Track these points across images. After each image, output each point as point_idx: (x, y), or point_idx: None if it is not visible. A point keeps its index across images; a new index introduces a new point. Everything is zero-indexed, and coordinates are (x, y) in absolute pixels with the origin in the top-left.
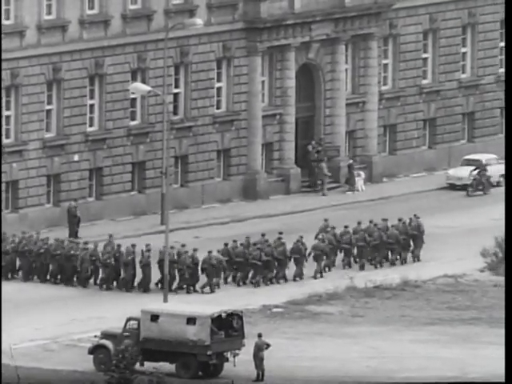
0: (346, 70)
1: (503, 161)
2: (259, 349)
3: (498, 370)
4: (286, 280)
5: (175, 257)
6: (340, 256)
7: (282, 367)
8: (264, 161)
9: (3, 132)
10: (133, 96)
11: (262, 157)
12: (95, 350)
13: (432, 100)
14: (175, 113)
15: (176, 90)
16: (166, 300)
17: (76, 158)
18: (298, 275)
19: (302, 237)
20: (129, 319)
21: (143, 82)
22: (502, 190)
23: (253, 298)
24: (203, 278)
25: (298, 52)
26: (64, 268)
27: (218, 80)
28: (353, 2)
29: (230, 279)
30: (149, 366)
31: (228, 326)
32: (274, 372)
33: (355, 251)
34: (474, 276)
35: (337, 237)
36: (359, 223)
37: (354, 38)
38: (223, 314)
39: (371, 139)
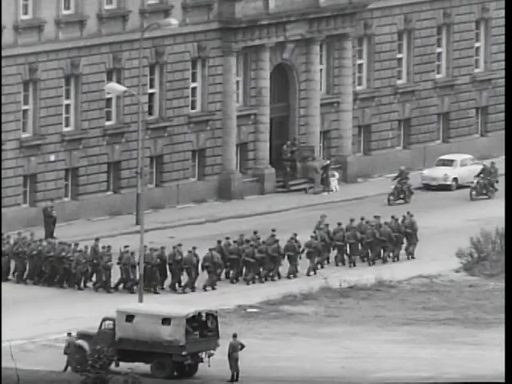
0: (321, 70)
1: (478, 161)
2: (234, 349)
3: (473, 370)
4: (279, 277)
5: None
6: (333, 253)
7: (256, 367)
8: (239, 161)
9: None
10: (108, 96)
11: (237, 157)
12: (71, 350)
13: (407, 100)
14: (150, 113)
15: (151, 90)
16: (141, 300)
17: (52, 158)
18: (292, 272)
19: (295, 234)
20: (104, 319)
21: (118, 82)
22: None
23: (227, 298)
24: (202, 276)
25: (272, 52)
26: (56, 270)
27: (193, 80)
28: (327, 2)
29: (223, 276)
30: (124, 366)
31: (203, 326)
32: (249, 372)
33: (348, 248)
34: (449, 276)
35: (330, 234)
36: (352, 220)
37: (329, 39)
38: (198, 314)
39: (346, 139)
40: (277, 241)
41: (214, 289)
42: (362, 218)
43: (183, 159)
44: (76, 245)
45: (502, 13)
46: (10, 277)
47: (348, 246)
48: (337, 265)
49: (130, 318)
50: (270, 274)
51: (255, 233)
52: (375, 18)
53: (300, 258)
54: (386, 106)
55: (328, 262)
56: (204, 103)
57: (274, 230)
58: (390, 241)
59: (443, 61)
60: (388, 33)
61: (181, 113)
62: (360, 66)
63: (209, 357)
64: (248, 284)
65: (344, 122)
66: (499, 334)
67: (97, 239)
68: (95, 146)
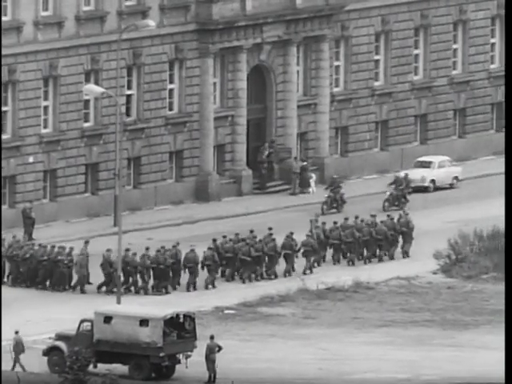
0: (298, 71)
1: (456, 163)
2: (211, 351)
3: (451, 371)
4: (276, 276)
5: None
6: (329, 252)
7: (233, 369)
8: (216, 162)
9: None
10: (86, 97)
11: (214, 158)
12: (49, 351)
13: (384, 102)
14: (128, 114)
15: (129, 92)
16: (119, 302)
17: (31, 159)
18: (288, 271)
19: (292, 233)
20: (82, 321)
21: (96, 83)
22: (450, 192)
23: (205, 299)
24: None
25: (249, 54)
26: (52, 273)
27: (171, 81)
28: (304, 3)
29: (218, 275)
30: (102, 367)
31: (180, 327)
32: (226, 374)
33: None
34: (427, 278)
35: (326, 233)
36: (346, 219)
37: (306, 40)
38: (175, 316)
39: (323, 141)
40: (274, 239)
41: (214, 287)
42: (357, 217)
43: (161, 161)
44: (71, 248)
45: (480, 14)
46: (5, 280)
47: (345, 244)
48: (334, 264)
49: (107, 319)
50: (268, 273)
51: (251, 231)
52: (352, 20)
53: (297, 256)
54: (364, 107)
55: (324, 261)
56: (181, 105)
57: (270, 229)
58: (386, 239)
59: (420, 62)
60: (365, 34)
61: (158, 114)
62: (337, 67)
63: (186, 358)
64: (244, 282)
65: (321, 123)
66: (477, 336)
67: (86, 242)
68: (73, 148)
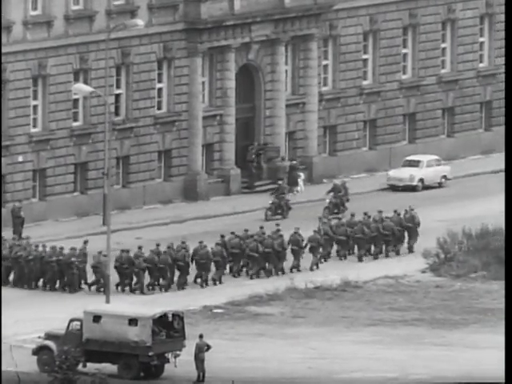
0: (286, 70)
1: (445, 162)
2: (200, 350)
3: (440, 370)
4: (283, 272)
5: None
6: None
7: (222, 368)
8: (204, 162)
9: None
10: (75, 97)
11: (203, 158)
12: (39, 350)
13: (372, 101)
14: (117, 114)
15: (118, 91)
16: (108, 301)
17: (20, 158)
18: (296, 267)
19: (298, 228)
20: (72, 320)
21: (85, 82)
22: (438, 191)
23: (193, 298)
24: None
25: (238, 53)
26: (63, 274)
27: (159, 81)
28: (292, 2)
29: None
30: (91, 366)
31: (169, 326)
32: (215, 373)
33: (349, 243)
34: (415, 277)
35: (333, 229)
36: (353, 215)
37: (294, 39)
38: (164, 315)
39: (311, 140)
40: (281, 235)
41: (221, 283)
42: (365, 213)
43: (149, 160)
44: (80, 249)
45: (469, 13)
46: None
47: (353, 240)
48: (340, 259)
49: (97, 318)
50: (276, 269)
51: (261, 228)
52: (341, 19)
53: (303, 252)
54: (352, 106)
55: (329, 257)
56: (170, 104)
57: (278, 225)
58: (393, 235)
59: (409, 61)
60: (353, 34)
61: (147, 113)
62: (325, 66)
63: (175, 357)
64: (252, 278)
65: (309, 122)
66: (466, 335)
67: (85, 241)
68: (62, 147)
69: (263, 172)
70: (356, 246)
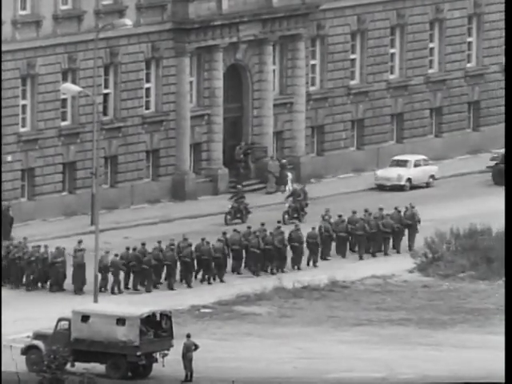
0: (274, 70)
1: (432, 162)
2: (188, 349)
3: (427, 370)
4: (283, 270)
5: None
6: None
7: (210, 368)
8: (192, 161)
9: None
10: (64, 96)
11: (191, 157)
12: (27, 350)
13: (360, 101)
14: (105, 113)
15: (106, 91)
16: (96, 300)
17: (9, 158)
18: (296, 264)
19: (298, 225)
20: (60, 320)
21: (74, 82)
22: (426, 191)
23: (181, 298)
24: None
25: (225, 53)
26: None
27: (147, 80)
28: (280, 2)
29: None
30: (79, 366)
31: (157, 326)
32: (203, 373)
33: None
34: (402, 277)
35: (332, 226)
36: (354, 213)
37: (282, 39)
38: (152, 315)
39: (299, 140)
40: (282, 232)
41: (222, 281)
42: (366, 210)
43: (137, 160)
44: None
45: (456, 13)
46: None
47: (355, 238)
48: (343, 257)
49: (85, 318)
50: (278, 266)
51: (262, 224)
52: (328, 19)
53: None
54: (340, 106)
55: (329, 255)
56: (158, 104)
57: (279, 222)
58: (393, 232)
59: (397, 61)
60: (341, 33)
61: (135, 113)
62: (313, 66)
63: (163, 357)
64: (253, 275)
65: (297, 122)
66: (454, 335)
67: (80, 241)
68: (51, 147)
69: (251, 172)
70: (357, 244)
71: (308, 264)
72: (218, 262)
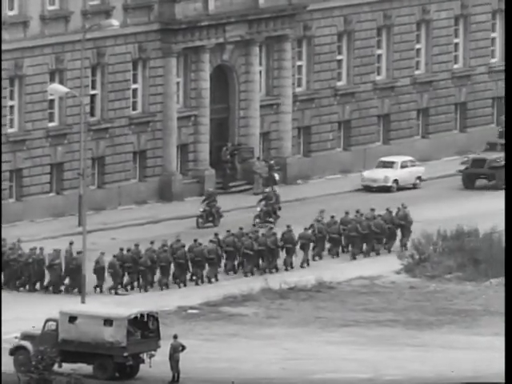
0: (260, 71)
1: (419, 163)
2: (175, 350)
3: (414, 371)
4: (277, 270)
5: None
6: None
7: (197, 369)
8: (179, 162)
9: None
10: (51, 97)
11: (178, 158)
12: (15, 351)
13: (347, 102)
14: (92, 114)
15: (93, 92)
16: (83, 301)
17: None
18: (289, 264)
19: (290, 225)
20: (47, 320)
21: (61, 83)
22: (413, 192)
23: (168, 299)
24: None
25: (212, 53)
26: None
27: (134, 81)
28: (267, 3)
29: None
30: (67, 367)
31: (144, 327)
32: (190, 373)
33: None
34: (389, 278)
35: (325, 226)
36: (347, 213)
37: (268, 40)
38: (139, 315)
39: (285, 141)
40: (274, 233)
41: (217, 280)
42: (358, 211)
43: (124, 160)
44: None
45: (443, 14)
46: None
47: (347, 238)
48: (332, 257)
49: (72, 319)
50: (270, 267)
51: (254, 225)
52: (315, 20)
53: (294, 250)
54: (326, 107)
55: (321, 255)
56: (145, 104)
57: (271, 222)
58: (384, 233)
59: (383, 62)
60: (328, 34)
61: (122, 114)
62: (299, 67)
63: (150, 358)
64: (246, 276)
65: (284, 123)
66: (441, 336)
67: (71, 243)
68: (38, 148)
69: (237, 172)
70: (350, 244)
71: (302, 265)
72: (212, 262)
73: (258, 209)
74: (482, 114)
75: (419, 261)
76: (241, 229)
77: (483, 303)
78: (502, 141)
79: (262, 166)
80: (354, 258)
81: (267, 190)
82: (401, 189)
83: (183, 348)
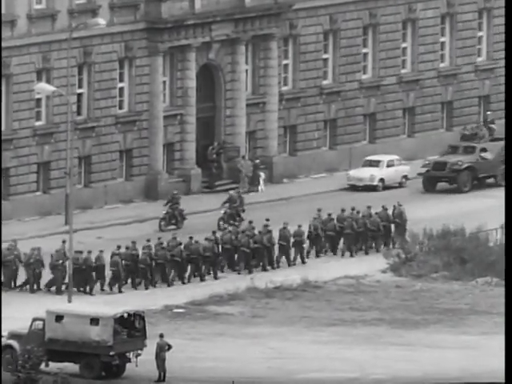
0: (247, 70)
1: (405, 162)
2: (161, 349)
3: (400, 370)
4: (273, 267)
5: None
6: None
7: (183, 368)
8: (165, 161)
9: None
10: (38, 96)
11: (164, 157)
12: (2, 350)
13: (332, 101)
14: (79, 113)
15: (79, 91)
16: (70, 300)
17: None
18: (287, 262)
19: (287, 223)
20: (34, 319)
21: (48, 82)
22: (399, 191)
23: (154, 298)
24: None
25: (198, 52)
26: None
27: (121, 80)
28: (253, 2)
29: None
30: (54, 366)
31: (130, 326)
32: (176, 372)
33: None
34: (375, 277)
35: (321, 224)
36: (343, 211)
37: (254, 39)
38: (125, 315)
39: (271, 140)
40: (270, 231)
41: (216, 278)
42: (353, 209)
43: (111, 159)
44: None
45: (429, 13)
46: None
47: (344, 236)
48: (335, 255)
49: (59, 318)
50: (265, 264)
51: (251, 222)
52: (301, 19)
53: (290, 248)
54: (312, 106)
55: (321, 252)
56: (131, 103)
57: (267, 220)
58: (379, 231)
59: (369, 61)
60: (313, 33)
61: (108, 113)
62: (286, 66)
63: (136, 357)
64: (239, 273)
65: (270, 122)
66: (426, 335)
67: (64, 241)
68: (25, 147)
69: (223, 171)
70: (345, 242)
71: (290, 264)
72: (209, 260)
73: (222, 211)
74: (468, 112)
75: (405, 260)
76: (236, 226)
77: (469, 302)
78: (464, 143)
79: (247, 164)
80: (351, 255)
81: (231, 192)
82: (387, 188)
83: (169, 347)
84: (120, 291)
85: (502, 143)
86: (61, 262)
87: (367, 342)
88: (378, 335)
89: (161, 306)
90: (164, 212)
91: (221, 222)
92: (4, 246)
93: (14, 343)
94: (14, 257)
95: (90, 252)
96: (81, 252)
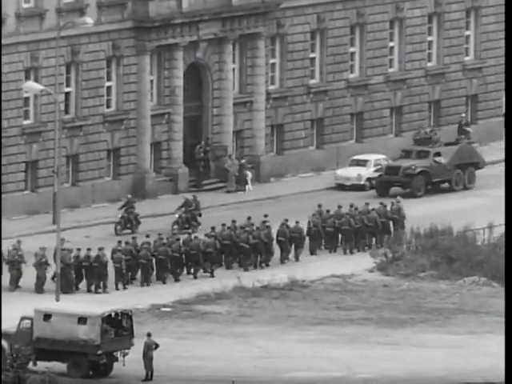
0: (234, 69)
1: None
2: (148, 348)
3: (386, 369)
4: (261, 266)
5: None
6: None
7: (170, 367)
8: (153, 160)
9: None
10: (26, 95)
11: (151, 156)
12: None
13: (320, 100)
14: (67, 112)
15: (67, 89)
16: (57, 299)
17: None
18: (285, 258)
19: (286, 220)
20: (22, 318)
21: (36, 80)
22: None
23: (141, 297)
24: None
25: (185, 51)
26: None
27: (108, 79)
28: (240, 1)
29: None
30: (41, 365)
31: (118, 325)
32: (163, 371)
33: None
34: (362, 276)
35: (320, 221)
36: (340, 207)
37: (242, 38)
38: (113, 314)
39: (259, 139)
40: (268, 227)
41: (213, 276)
42: (352, 205)
43: (98, 158)
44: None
45: (417, 12)
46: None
47: (342, 233)
48: (330, 252)
49: (47, 317)
50: (263, 260)
51: (249, 218)
52: (288, 17)
53: (290, 244)
54: (299, 105)
55: (319, 249)
56: (119, 102)
57: (266, 216)
58: (377, 227)
59: (357, 60)
60: (301, 32)
61: (96, 112)
62: (273, 65)
63: (124, 356)
64: (246, 270)
65: (257, 121)
66: (413, 334)
67: (62, 239)
68: (13, 145)
69: (211, 171)
70: (343, 239)
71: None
72: (211, 257)
73: (177, 215)
74: (455, 112)
75: (392, 259)
76: (233, 221)
77: (457, 302)
78: (418, 148)
79: (233, 164)
80: (351, 252)
81: (187, 196)
82: (374, 187)
83: (157, 346)
84: (125, 288)
85: (456, 147)
86: (70, 262)
87: (354, 341)
88: (364, 334)
89: (148, 305)
90: (119, 216)
91: (175, 226)
92: (9, 245)
93: (2, 342)
94: (18, 257)
95: (79, 249)
96: (90, 249)
